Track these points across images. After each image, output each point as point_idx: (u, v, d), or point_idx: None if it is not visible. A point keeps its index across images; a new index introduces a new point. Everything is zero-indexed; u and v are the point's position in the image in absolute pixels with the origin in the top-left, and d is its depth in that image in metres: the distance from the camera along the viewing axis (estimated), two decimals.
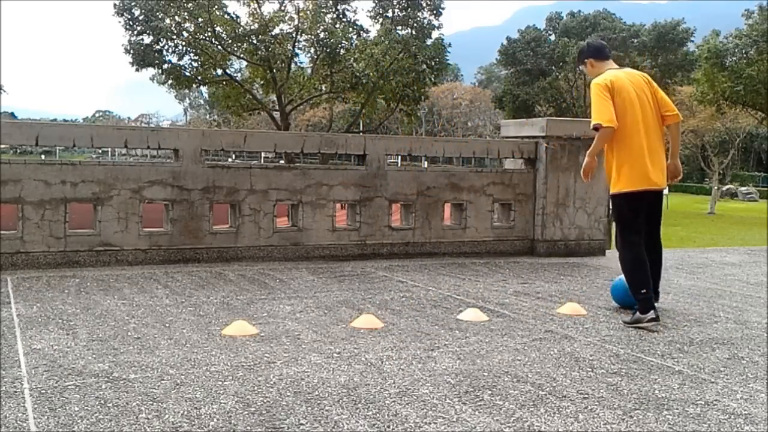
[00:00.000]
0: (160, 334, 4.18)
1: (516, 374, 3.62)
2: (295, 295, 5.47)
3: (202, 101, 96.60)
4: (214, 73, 34.38)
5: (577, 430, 2.92)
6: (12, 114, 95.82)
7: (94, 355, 3.72)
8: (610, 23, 49.89)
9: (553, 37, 53.98)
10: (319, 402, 3.14)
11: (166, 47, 32.38)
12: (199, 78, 34.74)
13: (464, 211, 8.00)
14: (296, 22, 32.25)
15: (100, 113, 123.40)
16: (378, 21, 33.77)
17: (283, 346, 4.01)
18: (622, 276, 5.17)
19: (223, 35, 32.25)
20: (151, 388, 3.24)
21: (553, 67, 53.68)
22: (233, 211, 7.09)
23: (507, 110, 55.75)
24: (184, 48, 32.60)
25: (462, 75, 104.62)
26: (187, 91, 71.17)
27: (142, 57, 31.84)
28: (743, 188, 64.50)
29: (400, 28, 33.04)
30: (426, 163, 33.97)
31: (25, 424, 2.80)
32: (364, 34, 33.82)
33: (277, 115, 35.05)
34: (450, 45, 33.79)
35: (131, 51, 31.80)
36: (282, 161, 31.84)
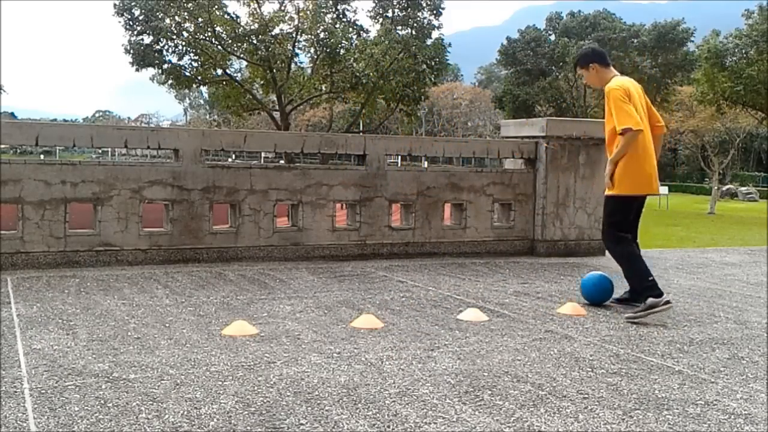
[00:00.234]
0: (160, 334, 4.18)
1: (516, 374, 3.62)
2: (295, 295, 5.47)
3: (202, 101, 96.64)
4: (214, 73, 34.41)
5: (577, 430, 2.92)
6: (12, 114, 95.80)
7: (94, 355, 3.72)
8: (610, 23, 49.89)
9: (553, 37, 54.00)
10: (319, 402, 3.14)
11: (166, 47, 32.40)
12: (199, 78, 34.76)
13: (464, 211, 8.00)
14: (296, 22, 32.27)
15: (100, 113, 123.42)
16: (378, 21, 33.79)
17: (283, 346, 4.01)
18: (592, 273, 5.56)
19: (223, 35, 32.27)
20: (151, 388, 3.24)
21: (553, 67, 53.71)
22: (233, 211, 7.09)
23: (507, 110, 55.77)
24: (184, 48, 32.62)
25: (462, 75, 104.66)
26: (187, 91, 71.21)
27: (142, 57, 31.86)
28: (743, 188, 64.50)
29: (400, 28, 33.06)
30: (426, 163, 33.98)
31: (25, 424, 2.80)
32: (364, 34, 33.84)
33: (277, 115, 35.07)
34: (450, 45, 33.81)
35: (131, 51, 31.82)
36: (282, 161, 31.84)
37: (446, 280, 6.40)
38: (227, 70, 34.51)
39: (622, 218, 5.32)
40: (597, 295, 5.46)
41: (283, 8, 32.51)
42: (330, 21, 32.50)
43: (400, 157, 13.42)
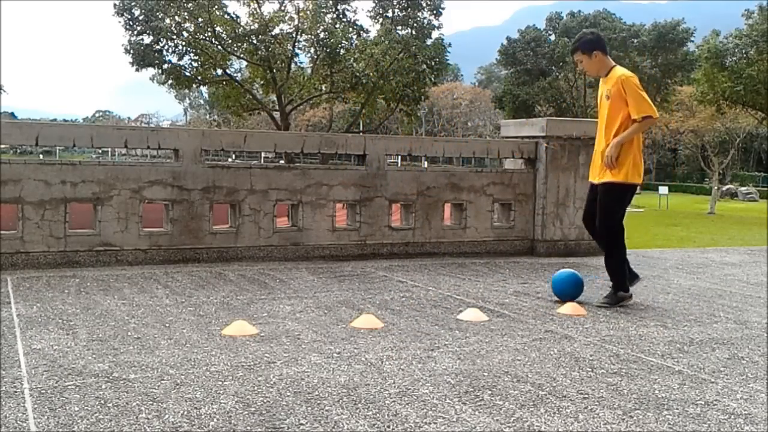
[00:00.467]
0: (160, 334, 4.18)
1: (516, 374, 3.62)
2: (295, 295, 5.47)
3: (202, 101, 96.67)
4: (214, 73, 34.41)
5: (577, 430, 2.92)
6: (12, 114, 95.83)
7: (94, 355, 3.72)
8: (610, 23, 49.89)
9: (553, 37, 54.01)
10: (319, 402, 3.14)
11: (166, 47, 32.41)
12: (199, 78, 34.77)
13: (464, 211, 8.01)
14: (296, 22, 32.27)
15: (100, 113, 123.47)
16: (378, 21, 33.79)
17: (283, 346, 4.01)
18: (563, 270, 5.67)
19: (223, 35, 32.27)
20: (151, 388, 3.24)
21: (553, 67, 53.73)
22: (233, 211, 7.09)
23: (507, 110, 55.77)
24: (184, 48, 32.62)
25: (462, 75, 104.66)
26: (187, 91, 71.21)
27: (142, 57, 31.87)
28: (743, 188, 64.51)
29: (400, 28, 33.07)
30: (426, 163, 33.98)
31: (25, 424, 2.80)
32: (364, 34, 33.85)
33: (277, 115, 35.07)
34: (450, 45, 33.82)
35: (131, 51, 31.83)
36: (282, 161, 31.84)
37: (446, 280, 6.40)
38: (227, 70, 34.52)
39: (623, 208, 5.47)
40: (569, 291, 5.52)
41: (283, 8, 32.52)
42: (330, 21, 32.50)
43: (400, 157, 13.43)
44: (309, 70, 34.62)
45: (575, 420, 3.02)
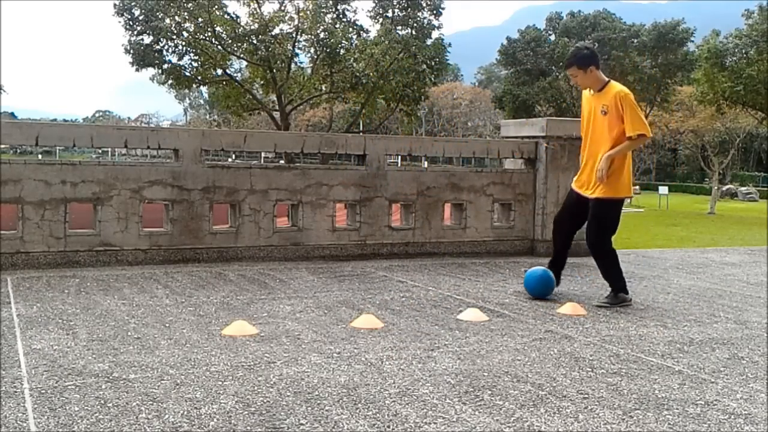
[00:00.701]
0: (160, 334, 4.18)
1: (516, 374, 3.62)
2: (295, 295, 5.47)
3: (202, 101, 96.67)
4: (214, 73, 34.41)
5: (577, 430, 2.92)
6: (12, 114, 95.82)
7: (94, 355, 3.72)
8: (610, 23, 49.91)
9: (553, 37, 54.01)
10: (319, 402, 3.14)
11: (166, 47, 32.41)
12: (199, 78, 34.77)
13: (464, 211, 8.01)
14: (296, 22, 32.27)
15: (100, 113, 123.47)
16: (378, 21, 33.79)
17: (283, 346, 4.01)
18: (536, 268, 5.72)
19: (223, 35, 32.27)
20: (151, 388, 3.24)
21: (553, 67, 53.73)
22: (233, 211, 7.09)
23: (507, 110, 55.77)
24: (184, 48, 32.62)
25: (462, 75, 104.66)
26: (187, 91, 71.19)
27: (142, 57, 31.87)
28: (743, 188, 64.52)
29: (400, 28, 33.06)
30: (426, 163, 33.99)
31: (25, 424, 2.80)
32: (364, 34, 33.85)
33: (277, 115, 35.07)
34: (450, 45, 33.82)
35: (131, 51, 31.83)
36: (282, 161, 31.84)
37: (446, 280, 6.40)
38: (227, 70, 34.52)
39: (616, 224, 5.60)
40: (540, 289, 5.60)
41: (283, 8, 32.52)
42: (330, 21, 32.50)
43: (400, 157, 13.43)
44: (309, 70, 34.62)
45: (575, 420, 3.02)
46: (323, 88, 34.39)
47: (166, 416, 2.92)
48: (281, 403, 3.11)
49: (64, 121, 64.76)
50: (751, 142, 68.50)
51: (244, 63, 35.29)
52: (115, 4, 31.35)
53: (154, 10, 30.90)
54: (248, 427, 2.84)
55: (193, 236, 6.87)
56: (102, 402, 3.05)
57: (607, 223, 5.51)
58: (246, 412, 2.99)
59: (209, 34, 31.94)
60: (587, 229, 5.60)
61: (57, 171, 6.42)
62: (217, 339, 4.12)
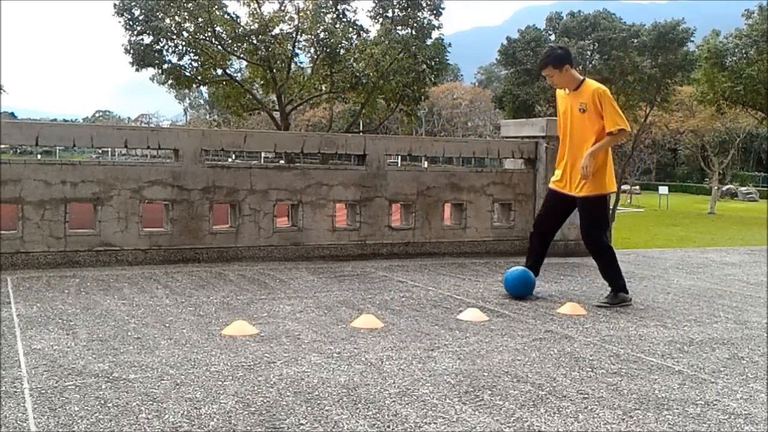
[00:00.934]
0: (160, 334, 4.18)
1: (516, 374, 3.62)
2: (295, 295, 5.47)
3: (202, 101, 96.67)
4: (214, 73, 34.39)
5: (577, 430, 2.92)
6: (12, 114, 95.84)
7: (94, 355, 3.72)
8: (610, 23, 49.87)
9: (553, 37, 53.96)
10: (319, 402, 3.14)
11: (166, 47, 32.38)
12: (199, 78, 34.74)
13: (464, 211, 8.01)
14: (296, 22, 32.25)
15: (100, 113, 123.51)
16: (378, 21, 33.76)
17: (283, 346, 4.01)
18: (516, 268, 5.68)
19: (223, 35, 32.25)
20: (151, 388, 3.24)
21: None
22: (233, 211, 7.09)
23: (507, 110, 55.73)
24: (184, 48, 32.60)
25: (462, 75, 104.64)
26: (187, 91, 71.17)
27: (142, 57, 31.84)
28: (743, 188, 64.54)
29: (400, 28, 33.04)
30: (426, 163, 33.99)
31: (25, 424, 2.80)
32: (364, 34, 33.82)
33: (277, 115, 35.05)
34: (450, 45, 33.79)
35: (131, 51, 31.80)
36: (282, 161, 31.84)
37: (446, 280, 6.40)
38: (227, 70, 34.49)
39: (607, 216, 5.73)
40: (520, 290, 5.58)
41: (283, 8, 32.49)
42: (330, 21, 32.47)
43: (400, 157, 13.43)
44: (309, 70, 34.60)
45: (575, 420, 3.02)
46: (323, 88, 34.36)
47: (166, 416, 2.92)
48: (281, 403, 3.11)
49: (64, 121, 64.77)
50: (751, 142, 68.50)
51: (244, 63, 35.26)
52: (115, 4, 31.34)
53: (154, 10, 30.88)
54: (248, 427, 2.84)
55: (193, 236, 6.87)
56: (102, 402, 3.05)
57: (600, 219, 5.58)
58: (246, 412, 2.99)
59: (209, 34, 31.92)
60: (582, 229, 5.63)
61: (57, 171, 6.42)
62: (217, 339, 4.12)
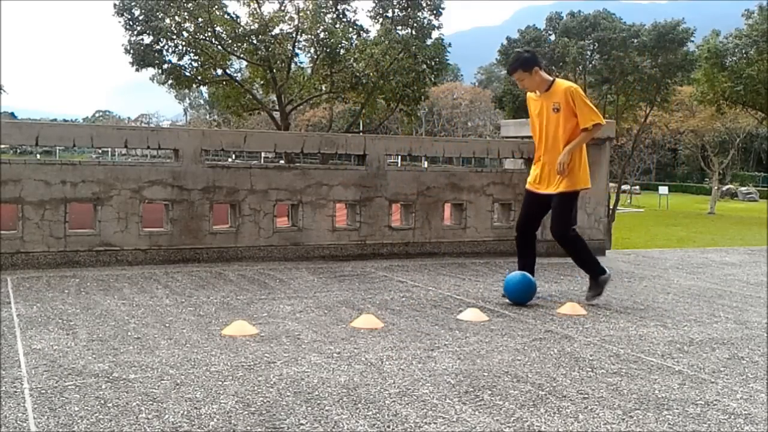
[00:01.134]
0: (160, 334, 4.18)
1: (516, 374, 3.62)
2: (295, 295, 5.47)
3: (202, 101, 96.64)
4: (214, 73, 34.38)
5: (577, 430, 2.92)
6: (12, 114, 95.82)
7: (94, 355, 3.72)
8: (610, 23, 49.86)
9: (553, 37, 53.96)
10: (319, 402, 3.14)
11: (166, 47, 32.37)
12: (199, 78, 34.73)
13: (464, 211, 8.01)
14: (296, 22, 32.24)
15: (100, 113, 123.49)
16: (378, 21, 33.75)
17: (283, 346, 4.01)
18: (515, 274, 5.51)
19: (223, 35, 32.24)
20: (151, 388, 3.24)
21: (553, 67, 53.67)
22: (233, 211, 7.09)
23: (507, 110, 55.69)
24: (184, 48, 32.59)
25: (462, 75, 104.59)
26: (187, 91, 71.13)
27: (142, 57, 31.84)
28: (743, 188, 64.55)
29: (400, 28, 33.03)
30: (426, 163, 33.98)
31: (25, 424, 2.80)
32: (364, 34, 33.81)
33: (277, 115, 35.05)
34: (450, 45, 33.78)
35: (131, 51, 31.79)
36: (282, 161, 31.84)
37: (446, 280, 6.40)
38: (227, 70, 34.48)
39: (574, 214, 5.79)
40: (520, 295, 5.42)
41: (283, 8, 32.48)
42: (330, 21, 32.47)
43: (400, 157, 13.42)
44: (309, 70, 34.58)
45: (575, 420, 3.02)
46: (323, 88, 34.35)
47: (166, 416, 2.92)
48: (281, 403, 3.11)
49: (64, 121, 64.72)
50: (751, 142, 68.50)
51: (244, 63, 35.26)
52: (115, 4, 31.33)
53: (154, 10, 30.87)
54: (248, 427, 2.84)
55: (193, 236, 6.87)
56: (102, 402, 3.05)
57: (568, 215, 5.64)
58: (246, 412, 2.99)
59: (209, 34, 31.92)
60: (553, 221, 5.62)
61: (57, 171, 6.42)
62: (217, 339, 4.12)
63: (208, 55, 32.51)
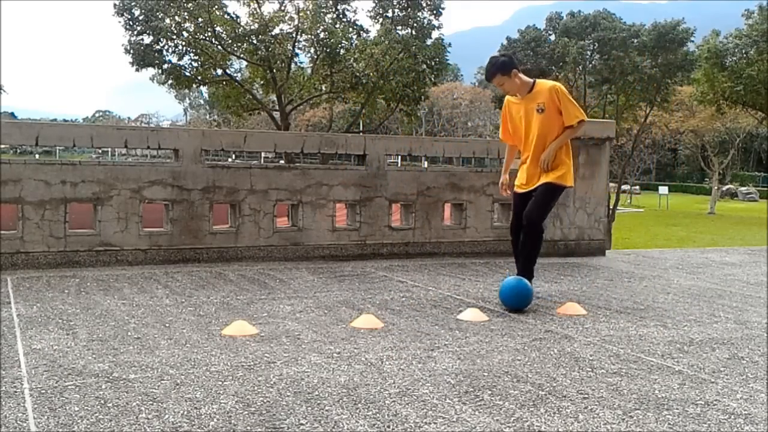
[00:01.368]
0: (160, 334, 4.18)
1: (516, 374, 3.62)
2: (295, 295, 5.47)
3: (202, 101, 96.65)
4: (214, 73, 34.39)
5: (577, 430, 2.92)
6: (12, 114, 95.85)
7: (94, 355, 3.72)
8: (610, 23, 49.87)
9: (553, 37, 53.96)
10: (319, 402, 3.14)
11: (166, 47, 32.38)
12: (199, 78, 34.74)
13: (464, 211, 8.01)
14: (296, 22, 32.24)
15: (100, 113, 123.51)
16: (378, 21, 33.77)
17: (283, 346, 4.01)
18: (514, 279, 5.28)
19: (223, 35, 32.25)
20: (151, 388, 3.24)
21: (553, 67, 53.69)
22: (233, 211, 7.09)
23: None
24: (184, 48, 32.60)
25: (462, 75, 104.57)
26: (187, 91, 71.17)
27: (142, 57, 31.85)
28: (743, 188, 64.57)
29: (400, 28, 33.04)
30: (426, 163, 33.98)
31: (25, 424, 2.80)
32: (364, 34, 33.82)
33: (277, 115, 35.05)
34: (450, 45, 33.79)
35: (131, 51, 31.81)
36: (282, 161, 31.84)
37: (446, 280, 6.40)
38: (227, 70, 34.49)
39: (551, 208, 5.79)
40: (515, 301, 5.17)
41: (283, 8, 32.49)
42: (330, 21, 32.48)
43: (400, 157, 13.42)
44: (309, 70, 34.59)
45: (575, 420, 3.02)
46: (323, 88, 34.37)
47: (166, 416, 2.92)
48: (281, 403, 3.11)
49: (64, 121, 64.71)
50: (751, 142, 68.51)
51: (244, 63, 35.27)
52: (115, 4, 31.34)
53: (154, 10, 30.88)
54: (248, 427, 2.84)
55: (193, 236, 6.87)
56: (102, 402, 3.05)
57: (546, 206, 5.63)
58: (246, 412, 2.99)
59: (209, 34, 31.93)
60: (530, 208, 5.54)
61: (57, 171, 6.42)
62: (217, 339, 4.12)
63: (208, 55, 32.52)
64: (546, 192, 5.56)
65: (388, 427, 2.89)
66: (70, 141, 6.79)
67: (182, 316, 4.68)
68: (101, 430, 2.78)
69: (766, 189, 63.68)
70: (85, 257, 6.50)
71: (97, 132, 7.17)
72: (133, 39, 31.70)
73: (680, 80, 45.10)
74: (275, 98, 34.88)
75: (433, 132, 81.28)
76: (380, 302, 5.30)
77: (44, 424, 2.82)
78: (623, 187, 50.18)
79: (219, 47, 32.51)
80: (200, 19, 31.26)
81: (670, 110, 49.37)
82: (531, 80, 5.64)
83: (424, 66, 32.35)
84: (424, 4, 33.17)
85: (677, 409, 3.20)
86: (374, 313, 4.83)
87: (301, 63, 35.47)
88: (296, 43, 32.83)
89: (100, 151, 55.30)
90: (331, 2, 32.62)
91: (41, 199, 6.34)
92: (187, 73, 33.82)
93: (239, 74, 36.56)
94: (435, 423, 2.94)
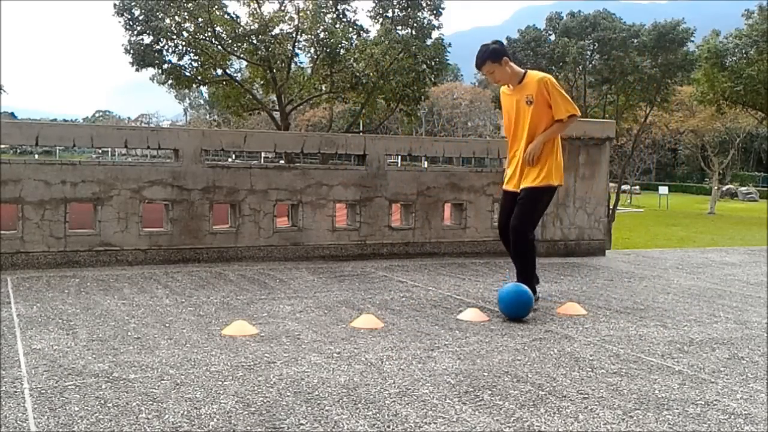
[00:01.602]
0: (160, 334, 4.18)
1: (516, 374, 3.62)
2: (295, 295, 5.47)
3: (202, 101, 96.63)
4: (214, 73, 34.38)
5: (577, 430, 2.92)
6: (12, 114, 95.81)
7: (94, 355, 3.72)
8: (610, 23, 49.87)
9: (553, 37, 53.96)
10: (319, 402, 3.14)
11: (166, 47, 32.38)
12: (199, 78, 34.73)
13: (464, 211, 8.01)
14: (296, 22, 32.24)
15: (100, 113, 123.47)
16: (378, 21, 33.76)
17: (283, 346, 4.01)
18: (514, 286, 5.00)
19: (223, 35, 32.25)
20: (151, 388, 3.24)
21: (553, 67, 53.70)
22: (233, 211, 7.09)
23: None
24: (184, 48, 32.60)
25: (462, 75, 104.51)
26: (187, 91, 71.17)
27: (142, 57, 31.84)
28: (743, 188, 64.56)
29: (400, 28, 33.04)
30: (426, 163, 33.98)
31: (25, 424, 2.80)
32: (364, 34, 33.82)
33: (277, 115, 35.05)
34: (450, 45, 33.79)
35: (131, 51, 31.80)
36: (282, 161, 31.84)
37: (446, 280, 6.40)
38: (227, 70, 34.49)
39: (543, 211, 5.48)
40: (515, 309, 4.91)
41: (283, 8, 32.48)
42: (330, 21, 32.47)
43: (400, 157, 13.43)
44: (309, 70, 34.58)
45: (575, 420, 3.02)
46: (323, 88, 34.36)
47: (166, 416, 2.92)
48: (281, 403, 3.11)
49: (64, 121, 64.70)
50: (751, 142, 68.51)
51: (244, 63, 35.27)
52: (115, 4, 31.33)
53: (154, 10, 30.87)
54: (248, 427, 2.84)
55: (193, 236, 6.87)
56: (102, 402, 3.05)
57: (535, 212, 5.31)
58: (246, 412, 2.99)
59: (209, 34, 31.92)
60: (515, 216, 5.23)
61: (57, 171, 6.42)
62: (217, 339, 4.12)
63: (208, 55, 32.52)
64: (529, 198, 5.23)
65: (388, 427, 2.89)
66: (70, 141, 6.79)
67: (182, 316, 4.68)
68: (101, 430, 2.78)
69: (766, 189, 63.68)
70: (85, 257, 6.50)
71: (97, 132, 7.16)
72: (133, 39, 31.70)
73: (680, 80, 45.10)
74: (275, 98, 34.88)
75: (433, 132, 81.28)
76: (380, 302, 5.30)
77: (44, 424, 2.82)
78: (623, 187, 50.17)
79: (219, 47, 32.51)
80: (200, 19, 31.26)
81: (670, 110, 49.37)
82: (522, 71, 5.35)
83: (424, 66, 32.35)
84: (424, 4, 33.17)
85: (677, 409, 3.20)
86: (374, 313, 4.83)
87: (301, 63, 35.48)
88: (296, 43, 32.82)
89: (100, 151, 55.29)
90: (331, 2, 32.62)
91: (41, 199, 6.34)
92: (187, 73, 33.82)
93: (239, 74, 36.56)
94: (435, 423, 2.94)
